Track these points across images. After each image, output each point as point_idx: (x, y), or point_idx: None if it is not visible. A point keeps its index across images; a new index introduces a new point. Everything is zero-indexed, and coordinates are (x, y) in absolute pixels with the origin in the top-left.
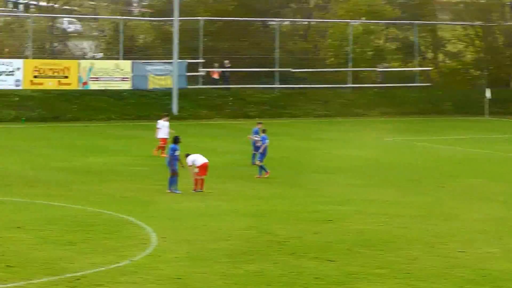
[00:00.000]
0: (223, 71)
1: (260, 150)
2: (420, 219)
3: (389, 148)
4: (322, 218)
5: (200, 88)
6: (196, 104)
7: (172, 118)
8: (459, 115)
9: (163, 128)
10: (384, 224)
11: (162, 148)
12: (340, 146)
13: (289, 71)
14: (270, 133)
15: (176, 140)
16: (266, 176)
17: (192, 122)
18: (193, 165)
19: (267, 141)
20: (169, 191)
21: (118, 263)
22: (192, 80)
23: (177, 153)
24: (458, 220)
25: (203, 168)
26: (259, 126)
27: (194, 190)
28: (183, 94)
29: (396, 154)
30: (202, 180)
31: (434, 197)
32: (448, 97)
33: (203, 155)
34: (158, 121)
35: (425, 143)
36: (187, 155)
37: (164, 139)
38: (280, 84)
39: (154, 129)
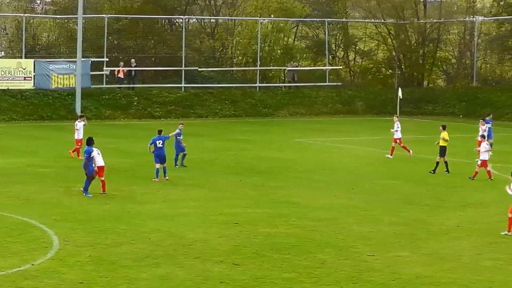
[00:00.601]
0: (128, 70)
1: (151, 150)
2: (330, 222)
3: (300, 149)
4: (230, 221)
5: (104, 87)
6: (100, 104)
7: (75, 118)
8: (371, 115)
9: (80, 129)
10: (293, 227)
11: (77, 150)
12: (251, 147)
13: (196, 70)
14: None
15: (89, 142)
16: (154, 180)
17: (96, 122)
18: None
19: (158, 142)
20: (82, 190)
21: (20, 267)
22: (96, 79)
23: (92, 155)
24: (369, 223)
25: (99, 170)
26: (181, 127)
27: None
28: (87, 94)
29: (306, 156)
30: (103, 181)
31: (345, 199)
32: (360, 96)
33: (106, 156)
34: (76, 122)
35: (337, 144)
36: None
37: (79, 141)
38: (187, 84)
39: (63, 130)
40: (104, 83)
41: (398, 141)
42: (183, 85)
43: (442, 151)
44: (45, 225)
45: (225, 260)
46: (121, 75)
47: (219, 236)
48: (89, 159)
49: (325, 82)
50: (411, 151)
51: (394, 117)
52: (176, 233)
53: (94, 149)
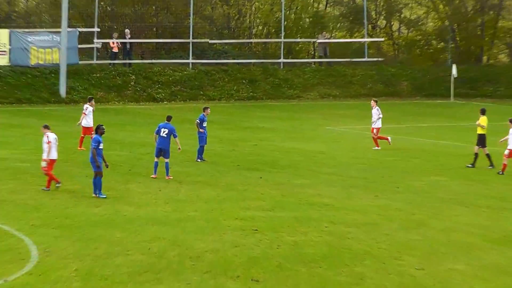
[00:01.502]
0: (123, 42)
1: (156, 140)
2: (370, 228)
3: (333, 139)
4: (247, 226)
5: (94, 64)
6: (90, 84)
7: (59, 101)
8: (418, 98)
9: (90, 114)
10: (325, 234)
11: (82, 139)
12: (273, 136)
13: (207, 42)
14: (186, 121)
15: (99, 130)
16: (152, 176)
17: None
18: (49, 145)
19: (162, 130)
20: (94, 195)
21: None
22: (85, 54)
23: (101, 146)
24: (417, 229)
25: (50, 162)
26: (207, 112)
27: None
28: (74, 72)
29: (341, 147)
30: (52, 176)
31: (388, 200)
32: (405, 75)
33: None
34: (85, 105)
35: None
36: (46, 127)
37: (88, 129)
38: (195, 59)
39: (45, 116)
40: (95, 58)
41: (375, 131)
42: (190, 60)
43: (481, 140)
44: (22, 232)
45: (242, 275)
46: (115, 49)
47: (235, 246)
48: (98, 151)
49: (364, 57)
50: (380, 147)
51: (372, 101)
52: (181, 242)
53: (51, 134)
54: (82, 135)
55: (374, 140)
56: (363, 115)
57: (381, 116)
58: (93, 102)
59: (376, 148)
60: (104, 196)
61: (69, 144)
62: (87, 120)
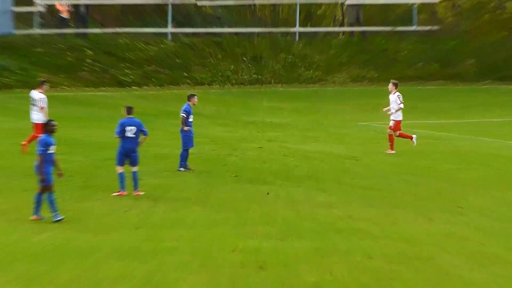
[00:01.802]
0: (76, 5)
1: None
2: (422, 264)
3: (369, 140)
4: (250, 261)
5: (36, 35)
6: (29, 62)
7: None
8: (487, 82)
9: (46, 105)
10: (359, 272)
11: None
12: (285, 135)
13: (193, 5)
14: (163, 114)
15: (48, 127)
16: (118, 194)
17: (24, 93)
18: None
19: (128, 129)
20: (35, 217)
21: None
22: (23, 21)
23: (51, 149)
24: (487, 266)
25: None
26: (193, 101)
27: None
28: (7, 45)
29: (378, 150)
30: None
31: (447, 224)
32: (469, 51)
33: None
34: (36, 93)
35: (428, 131)
36: None
37: (39, 126)
38: (176, 28)
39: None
40: (37, 27)
41: (394, 124)
42: (170, 30)
43: None
44: None
45: None
46: (64, 13)
47: None
48: (46, 156)
49: (412, 25)
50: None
51: (390, 84)
52: (157, 283)
53: None
54: (36, 135)
55: (403, 135)
56: (410, 105)
57: (402, 105)
58: (45, 86)
59: (412, 140)
60: (61, 218)
61: (1, 146)
62: (40, 114)
